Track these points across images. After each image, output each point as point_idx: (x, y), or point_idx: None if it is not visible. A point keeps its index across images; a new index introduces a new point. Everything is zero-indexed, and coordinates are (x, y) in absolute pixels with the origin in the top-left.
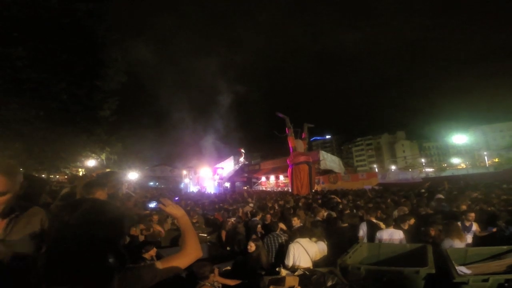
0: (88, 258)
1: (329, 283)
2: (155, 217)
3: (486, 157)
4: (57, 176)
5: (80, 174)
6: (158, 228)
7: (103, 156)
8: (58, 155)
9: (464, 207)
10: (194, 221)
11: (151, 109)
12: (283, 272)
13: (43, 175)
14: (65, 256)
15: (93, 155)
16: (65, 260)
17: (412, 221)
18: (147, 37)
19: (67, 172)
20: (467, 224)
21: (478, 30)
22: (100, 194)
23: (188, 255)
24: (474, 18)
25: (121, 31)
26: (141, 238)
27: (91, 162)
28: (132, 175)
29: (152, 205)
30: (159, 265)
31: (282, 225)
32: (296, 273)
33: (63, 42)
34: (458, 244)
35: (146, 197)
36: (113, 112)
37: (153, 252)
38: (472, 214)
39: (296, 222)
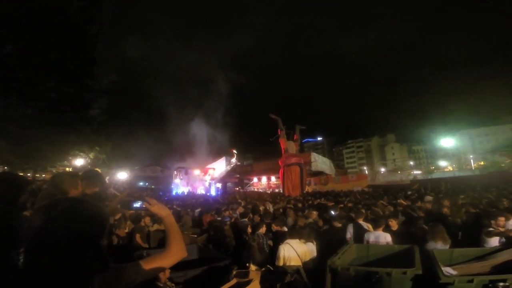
0: (66, 259)
1: (287, 279)
2: (147, 219)
3: (472, 160)
4: (44, 175)
5: None
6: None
7: (92, 156)
8: (45, 154)
9: (446, 210)
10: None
11: (142, 109)
12: (252, 267)
13: (28, 174)
14: (43, 257)
15: (82, 154)
16: (42, 261)
17: (394, 222)
18: (139, 35)
19: (54, 171)
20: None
21: (467, 35)
22: (68, 187)
23: (172, 255)
24: (463, 23)
25: (113, 28)
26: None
27: (79, 161)
28: (122, 175)
29: (137, 204)
30: (142, 265)
31: (263, 229)
32: (263, 269)
33: (54, 40)
34: (441, 246)
35: (131, 196)
36: (103, 111)
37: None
38: (502, 218)
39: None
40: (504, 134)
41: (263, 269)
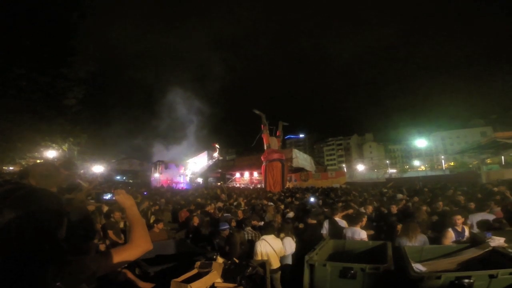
0: (17, 251)
1: (248, 272)
2: (117, 214)
3: (443, 161)
4: (11, 168)
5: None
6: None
7: (65, 147)
8: (13, 145)
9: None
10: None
11: (122, 100)
12: (219, 259)
13: None
14: None
15: (54, 145)
16: None
17: (364, 220)
18: (122, 21)
19: (23, 163)
20: (459, 229)
21: (443, 41)
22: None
23: (135, 247)
24: (441, 29)
25: (95, 15)
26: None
27: (51, 153)
28: (97, 168)
29: (107, 197)
30: (104, 257)
31: (255, 222)
32: (230, 262)
33: (28, 26)
34: (413, 243)
35: (100, 188)
36: (79, 101)
37: None
38: (459, 217)
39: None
40: (473, 137)
41: (229, 261)
